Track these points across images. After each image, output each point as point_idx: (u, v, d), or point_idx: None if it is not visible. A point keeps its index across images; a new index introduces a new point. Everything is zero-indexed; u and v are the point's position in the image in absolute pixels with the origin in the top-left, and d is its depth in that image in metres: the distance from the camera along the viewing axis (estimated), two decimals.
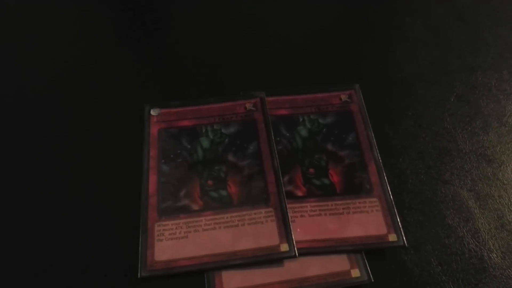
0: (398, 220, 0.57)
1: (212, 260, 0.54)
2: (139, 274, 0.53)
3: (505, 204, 0.59)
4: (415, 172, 0.63)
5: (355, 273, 0.52)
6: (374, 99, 0.70)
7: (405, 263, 0.54)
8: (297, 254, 0.54)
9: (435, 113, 0.69)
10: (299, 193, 0.60)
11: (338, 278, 0.52)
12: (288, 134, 0.66)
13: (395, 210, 0.58)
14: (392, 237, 0.56)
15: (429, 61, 0.77)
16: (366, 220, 0.57)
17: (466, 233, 0.57)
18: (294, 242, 0.55)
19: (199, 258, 0.54)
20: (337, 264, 0.53)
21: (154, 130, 0.66)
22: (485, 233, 0.57)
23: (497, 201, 0.60)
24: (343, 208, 0.58)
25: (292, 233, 0.55)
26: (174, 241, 0.55)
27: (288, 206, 0.58)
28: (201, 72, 0.75)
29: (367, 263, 0.53)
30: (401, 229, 0.56)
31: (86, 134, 0.67)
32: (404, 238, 0.55)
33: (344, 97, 0.70)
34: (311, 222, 0.57)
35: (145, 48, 0.78)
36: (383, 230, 0.56)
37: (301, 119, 0.67)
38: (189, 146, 0.64)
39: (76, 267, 0.55)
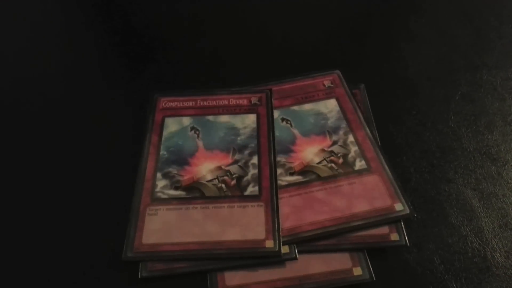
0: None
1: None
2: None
3: (509, 203, 0.59)
4: (419, 170, 0.62)
5: (357, 271, 0.52)
6: (378, 97, 0.70)
7: (407, 262, 0.54)
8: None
9: (440, 112, 0.69)
10: None
11: (340, 276, 0.52)
12: None
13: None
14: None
15: (434, 60, 0.77)
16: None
17: (469, 232, 0.56)
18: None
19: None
20: (339, 262, 0.53)
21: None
22: (488, 232, 0.56)
23: (501, 200, 0.59)
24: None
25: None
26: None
27: None
28: (204, 64, 0.77)
29: (369, 261, 0.53)
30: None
31: (94, 121, 0.69)
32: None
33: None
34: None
35: (158, 39, 0.81)
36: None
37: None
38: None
39: (63, 245, 0.56)
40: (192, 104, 0.69)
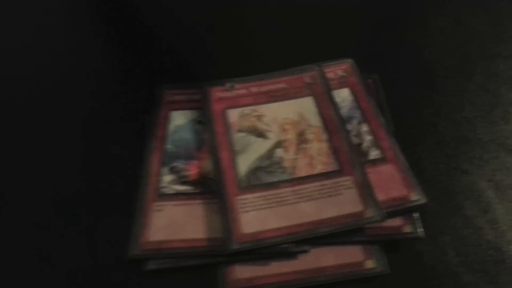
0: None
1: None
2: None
3: None
4: (433, 161, 0.61)
5: (370, 264, 0.52)
6: (392, 87, 0.69)
7: (421, 254, 0.53)
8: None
9: (455, 102, 0.68)
10: None
11: (353, 269, 0.51)
12: None
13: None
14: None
15: (449, 49, 0.75)
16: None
17: (485, 224, 0.56)
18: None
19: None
20: (352, 255, 0.52)
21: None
22: (504, 224, 0.55)
23: None
24: None
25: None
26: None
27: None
28: (209, 56, 0.76)
29: (382, 254, 0.52)
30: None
31: (98, 115, 0.68)
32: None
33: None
34: None
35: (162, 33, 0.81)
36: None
37: None
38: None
39: (67, 243, 0.56)
40: (199, 97, 0.68)
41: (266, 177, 0.58)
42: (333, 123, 0.63)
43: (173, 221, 0.55)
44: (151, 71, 0.75)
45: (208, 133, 0.63)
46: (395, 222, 0.54)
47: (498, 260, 0.53)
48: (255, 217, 0.54)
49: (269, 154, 0.60)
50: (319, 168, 0.58)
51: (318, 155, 0.60)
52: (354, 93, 0.67)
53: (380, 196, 0.56)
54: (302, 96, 0.67)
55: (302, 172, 0.58)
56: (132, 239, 0.54)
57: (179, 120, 0.65)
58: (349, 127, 0.63)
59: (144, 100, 0.69)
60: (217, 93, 0.68)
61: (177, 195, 0.58)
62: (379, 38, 0.78)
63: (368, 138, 0.62)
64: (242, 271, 0.52)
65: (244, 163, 0.59)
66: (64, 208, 0.59)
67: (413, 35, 0.78)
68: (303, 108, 0.65)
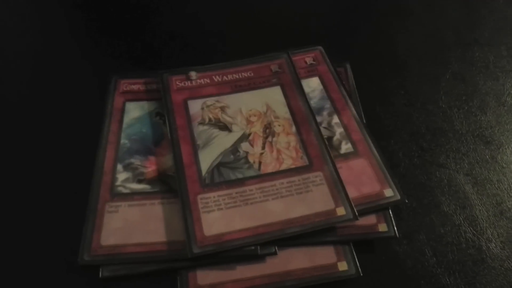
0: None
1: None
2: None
3: (504, 189, 0.56)
4: (408, 155, 0.59)
5: (342, 266, 0.48)
6: (364, 77, 0.66)
7: (396, 255, 0.51)
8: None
9: (429, 92, 0.66)
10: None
11: (323, 271, 0.48)
12: None
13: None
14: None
15: (423, 36, 0.73)
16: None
17: (463, 221, 0.53)
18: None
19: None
20: (323, 256, 0.49)
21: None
22: (483, 221, 0.53)
23: (496, 186, 0.56)
24: None
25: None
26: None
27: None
28: (174, 45, 0.73)
29: (355, 255, 0.49)
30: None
31: (47, 106, 0.64)
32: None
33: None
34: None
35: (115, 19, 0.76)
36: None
37: None
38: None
39: (13, 248, 0.51)
40: (157, 87, 0.64)
41: (231, 173, 0.54)
42: (302, 114, 0.59)
43: (128, 223, 0.51)
44: (104, 58, 0.70)
45: (168, 126, 0.58)
46: (369, 220, 0.52)
47: (478, 260, 0.50)
48: (219, 217, 0.51)
49: (234, 148, 0.57)
50: (287, 163, 0.55)
51: (286, 149, 0.56)
52: (324, 82, 0.64)
53: (352, 192, 0.53)
54: (269, 86, 0.63)
55: (269, 167, 0.55)
56: (83, 244, 0.50)
57: (135, 112, 0.61)
58: (319, 118, 0.60)
59: (97, 90, 0.64)
60: (177, 82, 0.63)
61: (133, 195, 0.53)
62: (350, 24, 0.75)
63: (339, 130, 0.59)
64: (205, 277, 0.48)
65: (206, 159, 0.55)
66: (13, 208, 0.54)
67: (386, 22, 0.76)
68: (270, 98, 0.61)
